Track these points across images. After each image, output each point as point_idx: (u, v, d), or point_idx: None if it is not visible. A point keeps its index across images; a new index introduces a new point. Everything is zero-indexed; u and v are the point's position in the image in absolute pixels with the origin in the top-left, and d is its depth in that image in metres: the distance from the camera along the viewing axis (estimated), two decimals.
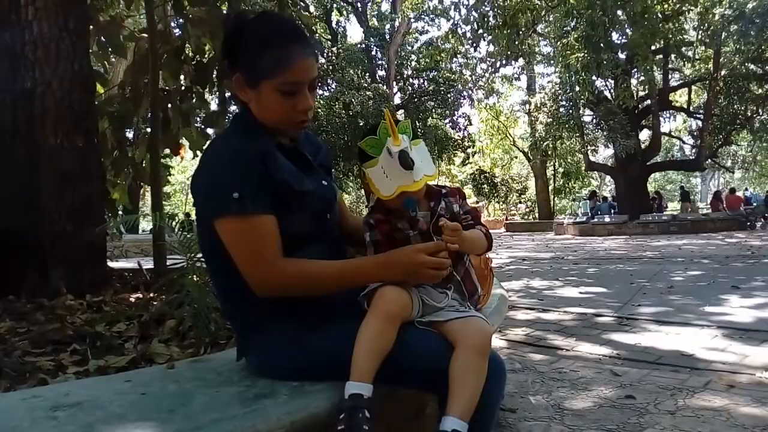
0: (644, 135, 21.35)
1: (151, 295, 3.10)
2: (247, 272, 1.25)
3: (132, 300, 3.02)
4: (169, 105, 4.81)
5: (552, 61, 19.88)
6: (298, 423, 1.08)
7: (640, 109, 19.19)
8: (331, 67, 20.51)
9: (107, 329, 2.33)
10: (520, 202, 32.11)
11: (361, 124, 19.26)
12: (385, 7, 25.43)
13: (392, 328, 1.19)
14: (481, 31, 13.88)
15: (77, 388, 1.28)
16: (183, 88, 5.00)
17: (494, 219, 29.22)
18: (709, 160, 21.00)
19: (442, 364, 1.18)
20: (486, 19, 13.63)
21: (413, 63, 25.16)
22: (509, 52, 15.46)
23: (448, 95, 22.92)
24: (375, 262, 1.31)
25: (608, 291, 5.57)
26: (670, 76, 19.74)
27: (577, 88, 15.59)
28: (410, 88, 24.90)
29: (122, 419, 1.04)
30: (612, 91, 17.94)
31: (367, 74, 23.13)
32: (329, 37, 22.81)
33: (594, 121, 20.03)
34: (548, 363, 3.06)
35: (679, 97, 21.88)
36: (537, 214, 28.04)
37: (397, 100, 23.75)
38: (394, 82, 23.90)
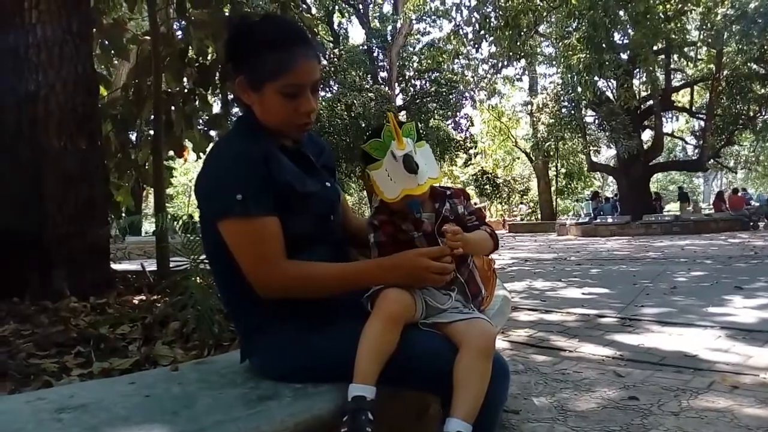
0: (647, 135, 21.29)
1: (155, 297, 3.11)
2: (250, 274, 1.25)
3: (135, 302, 3.02)
4: (172, 107, 4.82)
5: (554, 62, 19.85)
6: (301, 425, 1.08)
7: (643, 110, 19.14)
8: (332, 69, 20.52)
9: (111, 331, 2.34)
10: (522, 203, 32.07)
11: (363, 125, 19.27)
12: (387, 8, 25.45)
13: (395, 329, 1.19)
14: (483, 32, 13.87)
15: (81, 390, 1.28)
16: (186, 90, 5.02)
17: (496, 220, 29.17)
18: (712, 161, 20.95)
19: (446, 366, 1.18)
20: (488, 20, 13.63)
21: (415, 64, 25.14)
22: (511, 53, 15.44)
23: (450, 96, 22.91)
24: (378, 265, 1.31)
25: (611, 292, 5.56)
26: (672, 77, 19.68)
27: (579, 89, 15.55)
28: (412, 89, 24.89)
29: (127, 421, 1.05)
30: (614, 91, 17.91)
31: (369, 76, 23.14)
32: (331, 38, 22.83)
33: (596, 121, 19.99)
34: (551, 364, 3.06)
35: (682, 98, 21.84)
36: (539, 215, 28.00)
37: (399, 101, 23.74)
38: (396, 84, 23.90)
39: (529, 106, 24.52)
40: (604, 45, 14.11)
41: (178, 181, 29.50)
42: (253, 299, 1.27)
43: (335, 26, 24.09)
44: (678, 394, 2.43)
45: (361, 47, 23.96)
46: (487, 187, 29.77)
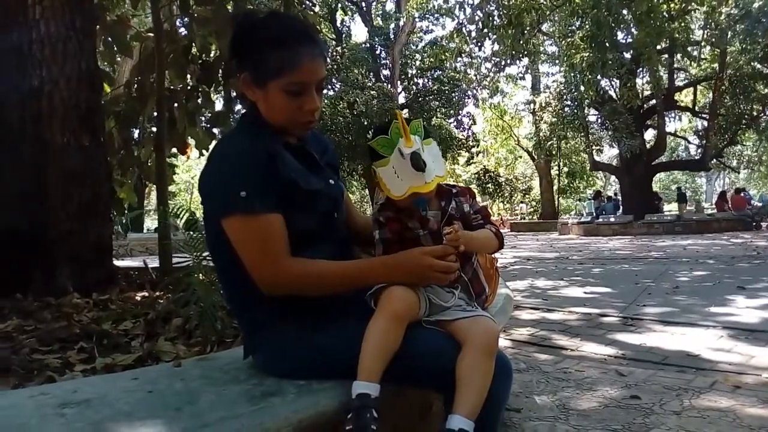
0: (649, 135, 21.27)
1: (157, 293, 3.11)
2: (254, 271, 1.25)
3: (138, 298, 3.03)
4: (175, 104, 4.83)
5: (557, 61, 19.78)
6: (305, 421, 1.08)
7: (645, 109, 19.11)
8: (335, 67, 20.51)
9: (114, 327, 2.35)
10: (523, 202, 32.05)
11: (365, 123, 19.27)
12: (390, 6, 25.47)
13: (399, 327, 1.19)
14: (485, 30, 13.83)
15: (85, 385, 1.28)
16: (189, 87, 5.02)
17: (496, 220, 29.15)
18: (715, 160, 20.92)
19: (449, 364, 1.18)
20: (491, 19, 13.59)
21: (417, 62, 25.13)
22: (514, 52, 15.38)
23: (453, 95, 22.90)
24: (382, 263, 1.30)
25: (613, 291, 5.55)
26: (675, 76, 19.65)
27: (582, 88, 15.51)
28: (414, 87, 24.88)
29: (130, 417, 1.05)
30: (617, 90, 17.87)
31: (372, 74, 23.14)
32: (334, 36, 22.83)
33: (599, 120, 19.99)
34: (553, 363, 3.06)
35: (685, 97, 21.79)
36: (541, 214, 27.98)
37: (401, 99, 23.74)
38: (399, 82, 23.89)
39: (532, 105, 24.49)
40: (607, 44, 14.09)
41: (180, 178, 29.52)
42: (256, 296, 1.27)
43: (338, 24, 24.08)
44: (680, 393, 2.42)
45: (363, 45, 23.98)
46: (490, 185, 29.75)
